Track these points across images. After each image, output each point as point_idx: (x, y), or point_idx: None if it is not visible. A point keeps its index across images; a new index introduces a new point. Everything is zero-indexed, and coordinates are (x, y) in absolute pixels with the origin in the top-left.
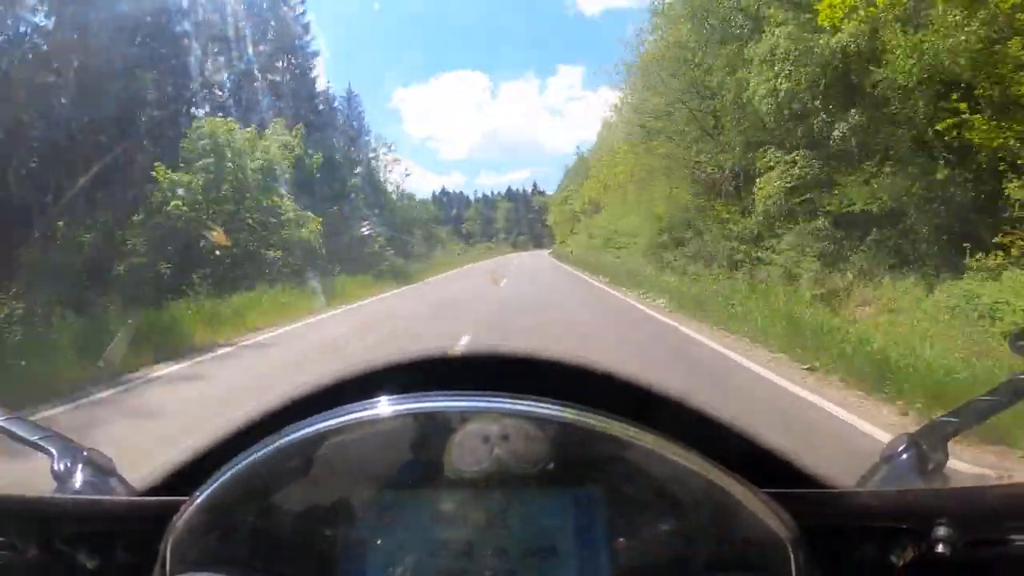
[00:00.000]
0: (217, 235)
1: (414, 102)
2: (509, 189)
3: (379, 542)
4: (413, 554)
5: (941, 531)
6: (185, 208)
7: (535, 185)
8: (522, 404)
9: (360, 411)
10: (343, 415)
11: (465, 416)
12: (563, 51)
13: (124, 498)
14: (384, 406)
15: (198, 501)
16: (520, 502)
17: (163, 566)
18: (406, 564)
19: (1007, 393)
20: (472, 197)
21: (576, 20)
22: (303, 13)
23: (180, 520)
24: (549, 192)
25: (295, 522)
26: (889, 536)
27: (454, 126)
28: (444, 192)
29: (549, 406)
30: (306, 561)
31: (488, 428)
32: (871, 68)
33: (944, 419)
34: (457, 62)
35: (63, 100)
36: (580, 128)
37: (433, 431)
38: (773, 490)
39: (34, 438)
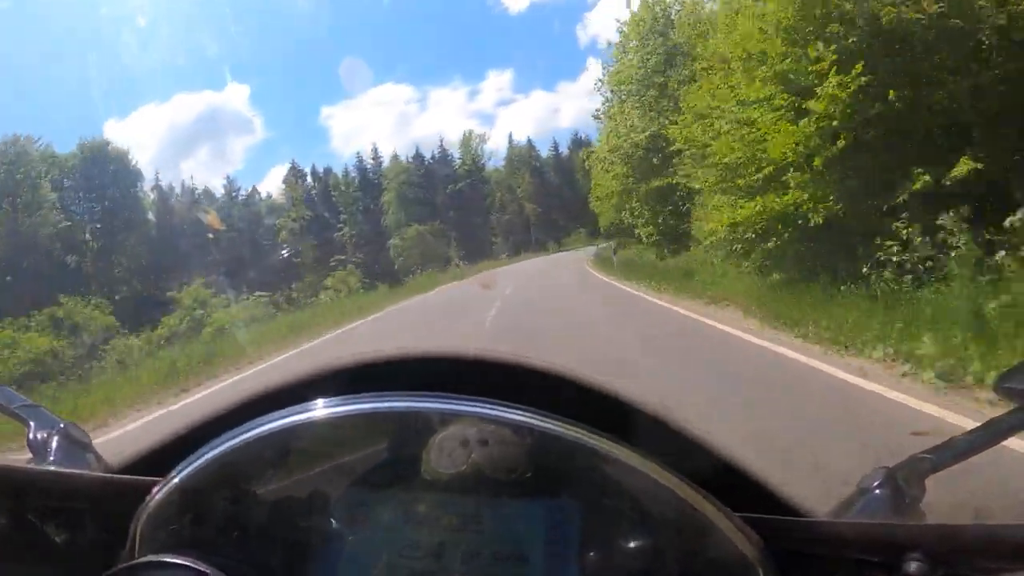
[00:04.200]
0: (211, 218)
1: (340, 119)
2: (417, 152)
3: (351, 537)
4: (384, 551)
5: (912, 566)
6: None
7: (470, 136)
8: (502, 410)
9: (338, 406)
10: (320, 408)
11: (445, 418)
12: (490, 54)
13: (98, 474)
14: (364, 402)
15: (171, 483)
16: (494, 508)
17: (132, 545)
18: (376, 560)
19: (987, 433)
20: (350, 170)
21: (501, 18)
22: None
23: (152, 501)
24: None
25: (267, 512)
26: (860, 568)
27: (383, 141)
28: (294, 169)
29: (530, 414)
30: (276, 551)
31: (467, 432)
32: None
33: (922, 456)
34: (380, 75)
35: None
36: (514, 131)
37: (412, 431)
38: (747, 514)
39: (13, 407)
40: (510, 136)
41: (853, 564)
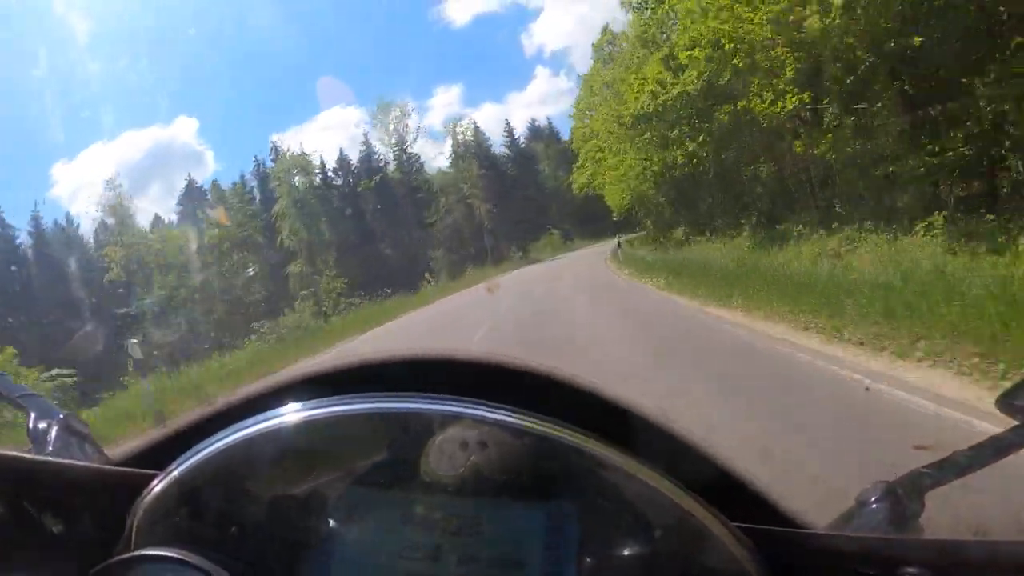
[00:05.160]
0: (219, 214)
1: (292, 147)
2: (341, 154)
3: (348, 537)
4: (381, 552)
5: None
6: None
7: (388, 107)
8: (503, 413)
9: (339, 405)
10: (320, 407)
11: (445, 420)
12: (437, 70)
13: (96, 466)
14: (365, 402)
15: (169, 477)
16: (492, 511)
17: (129, 538)
18: (373, 561)
19: (989, 450)
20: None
21: (445, 34)
22: None
23: (150, 494)
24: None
25: (265, 509)
26: None
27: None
28: (191, 186)
29: (530, 417)
30: (273, 548)
31: (467, 434)
32: None
33: (923, 471)
34: (328, 100)
35: None
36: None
37: (412, 432)
38: (745, 524)
39: (14, 396)
40: (453, 127)
41: None
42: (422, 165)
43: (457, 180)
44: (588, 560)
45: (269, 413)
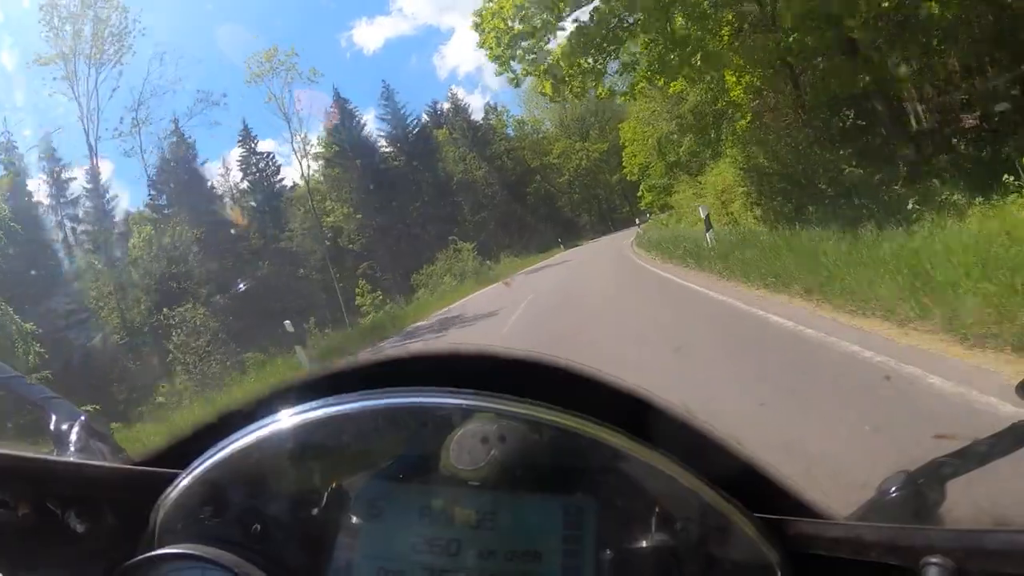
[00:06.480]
0: (235, 214)
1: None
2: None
3: (369, 532)
4: (400, 546)
5: (933, 571)
6: None
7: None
8: (522, 407)
9: (358, 401)
10: (340, 404)
11: (466, 413)
12: (351, 97)
13: (119, 465)
14: (384, 398)
15: (191, 475)
16: (511, 505)
17: (152, 536)
18: (393, 555)
19: (1009, 439)
20: None
21: (357, 59)
22: None
23: (172, 492)
24: None
25: (286, 505)
26: (880, 571)
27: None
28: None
29: (549, 411)
30: (294, 544)
31: (487, 428)
32: None
33: (943, 460)
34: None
35: None
36: None
37: (432, 427)
38: (766, 515)
39: (35, 398)
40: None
41: (873, 567)
42: (278, 168)
43: (303, 191)
44: (608, 552)
45: (289, 411)
